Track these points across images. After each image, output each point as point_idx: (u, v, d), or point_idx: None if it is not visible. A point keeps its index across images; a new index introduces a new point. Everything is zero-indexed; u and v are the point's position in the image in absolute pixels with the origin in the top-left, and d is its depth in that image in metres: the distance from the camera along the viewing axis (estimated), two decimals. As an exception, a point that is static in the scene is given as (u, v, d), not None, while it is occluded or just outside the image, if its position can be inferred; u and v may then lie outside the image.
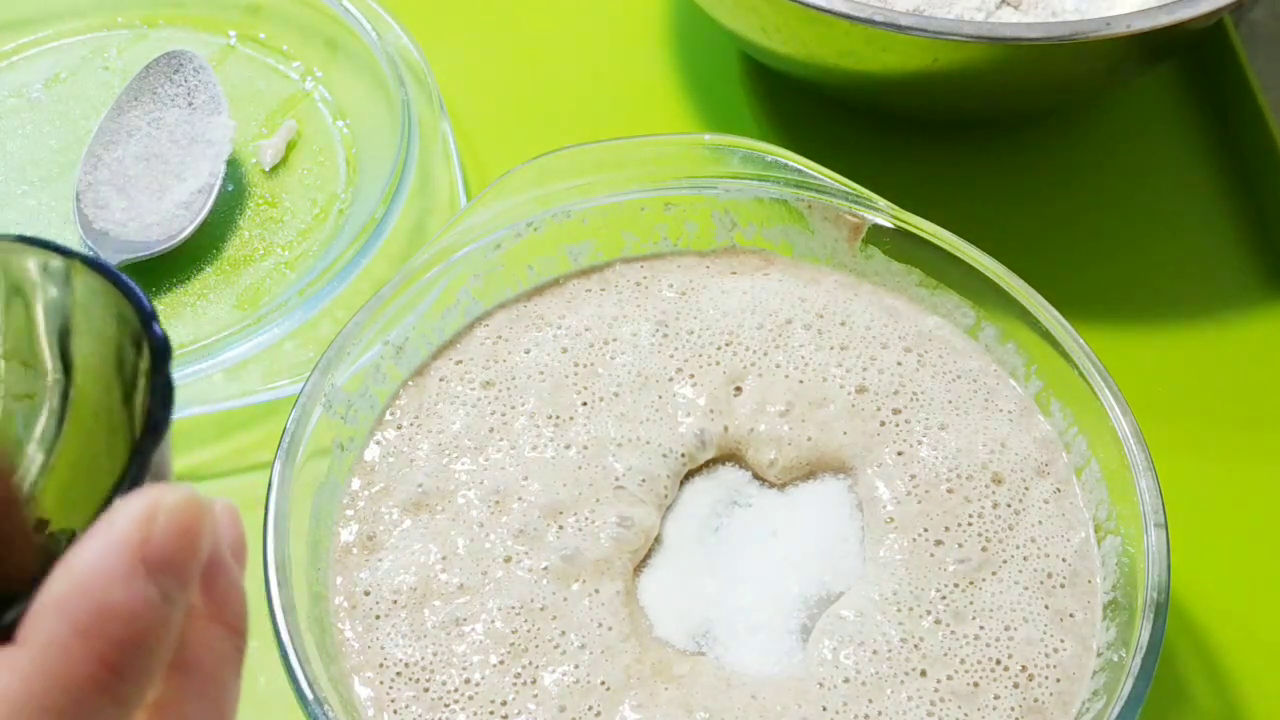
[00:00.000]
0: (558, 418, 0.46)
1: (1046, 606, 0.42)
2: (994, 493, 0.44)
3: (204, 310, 0.56)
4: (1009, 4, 0.60)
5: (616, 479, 0.45)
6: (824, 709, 0.40)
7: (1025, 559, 0.43)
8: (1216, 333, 0.56)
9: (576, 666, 0.41)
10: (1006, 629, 0.42)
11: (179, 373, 0.51)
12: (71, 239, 0.57)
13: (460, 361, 0.48)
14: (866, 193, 0.49)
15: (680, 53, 0.66)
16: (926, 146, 0.61)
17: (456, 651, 0.41)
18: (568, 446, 0.45)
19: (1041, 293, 0.46)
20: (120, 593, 0.20)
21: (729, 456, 0.46)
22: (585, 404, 0.47)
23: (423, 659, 0.41)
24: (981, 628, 0.42)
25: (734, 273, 0.50)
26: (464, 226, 0.49)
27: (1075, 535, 0.44)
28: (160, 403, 0.25)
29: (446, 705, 0.40)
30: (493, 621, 0.42)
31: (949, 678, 0.41)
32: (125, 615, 0.20)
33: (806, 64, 0.57)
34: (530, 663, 0.41)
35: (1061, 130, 0.62)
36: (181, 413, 0.52)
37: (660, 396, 0.47)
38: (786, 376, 0.47)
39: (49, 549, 0.26)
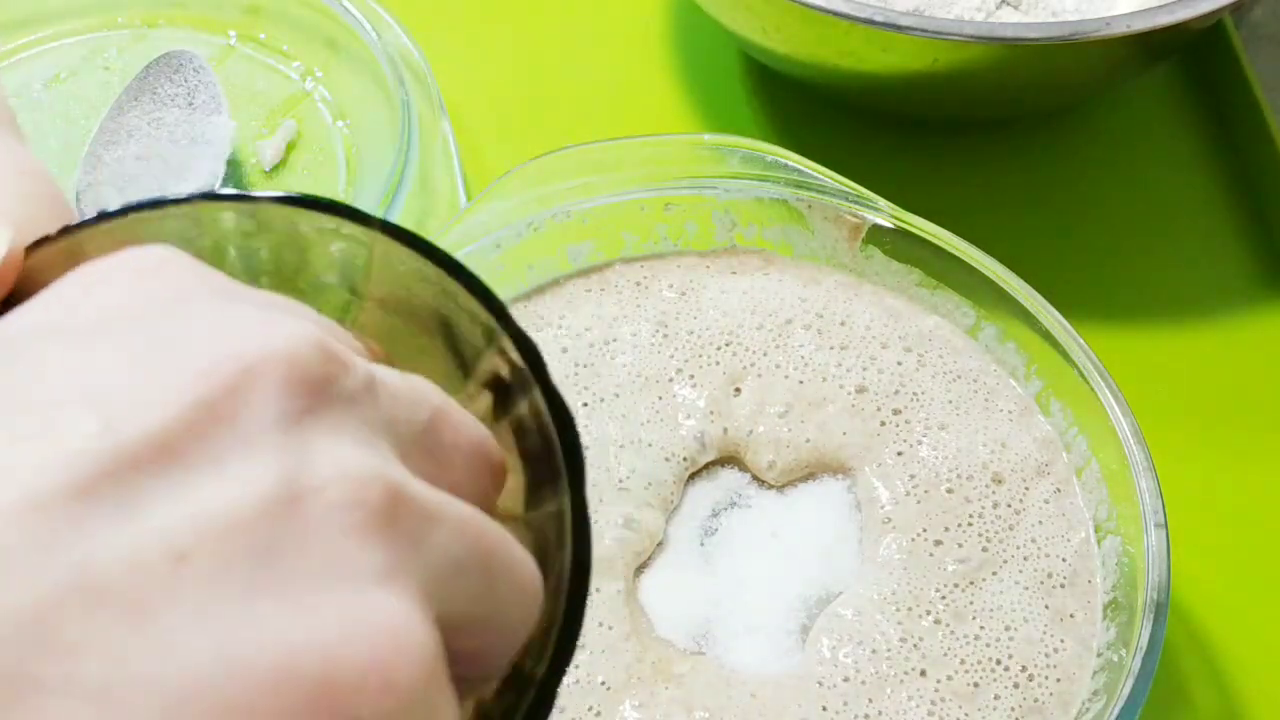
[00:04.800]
0: (558, 418, 0.46)
1: (1047, 606, 0.42)
2: (994, 493, 0.44)
3: (204, 310, 0.56)
4: (1009, 4, 0.60)
5: (620, 481, 0.45)
6: (824, 708, 0.40)
7: (1025, 559, 0.43)
8: (1217, 332, 0.56)
9: (576, 666, 0.41)
10: (1007, 629, 0.42)
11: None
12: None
13: (460, 361, 0.48)
14: (866, 193, 0.49)
15: (680, 53, 0.66)
16: (926, 146, 0.61)
17: (456, 651, 0.41)
18: (568, 446, 0.45)
19: (1041, 292, 0.46)
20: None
21: (728, 459, 0.46)
22: (586, 404, 0.47)
23: (423, 659, 0.41)
24: (982, 628, 0.42)
25: (734, 273, 0.50)
26: (464, 226, 0.49)
27: (1075, 535, 0.44)
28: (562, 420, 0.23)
29: (446, 705, 0.40)
30: (493, 621, 0.42)
31: (949, 678, 0.41)
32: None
33: (806, 64, 0.57)
34: (530, 663, 0.41)
35: (1061, 130, 0.62)
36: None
37: (660, 398, 0.47)
38: (786, 377, 0.47)
39: None
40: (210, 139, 0.59)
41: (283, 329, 0.19)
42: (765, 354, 0.48)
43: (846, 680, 0.41)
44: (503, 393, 0.24)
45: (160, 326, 0.19)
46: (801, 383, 0.47)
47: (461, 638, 0.20)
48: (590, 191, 0.50)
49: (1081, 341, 0.45)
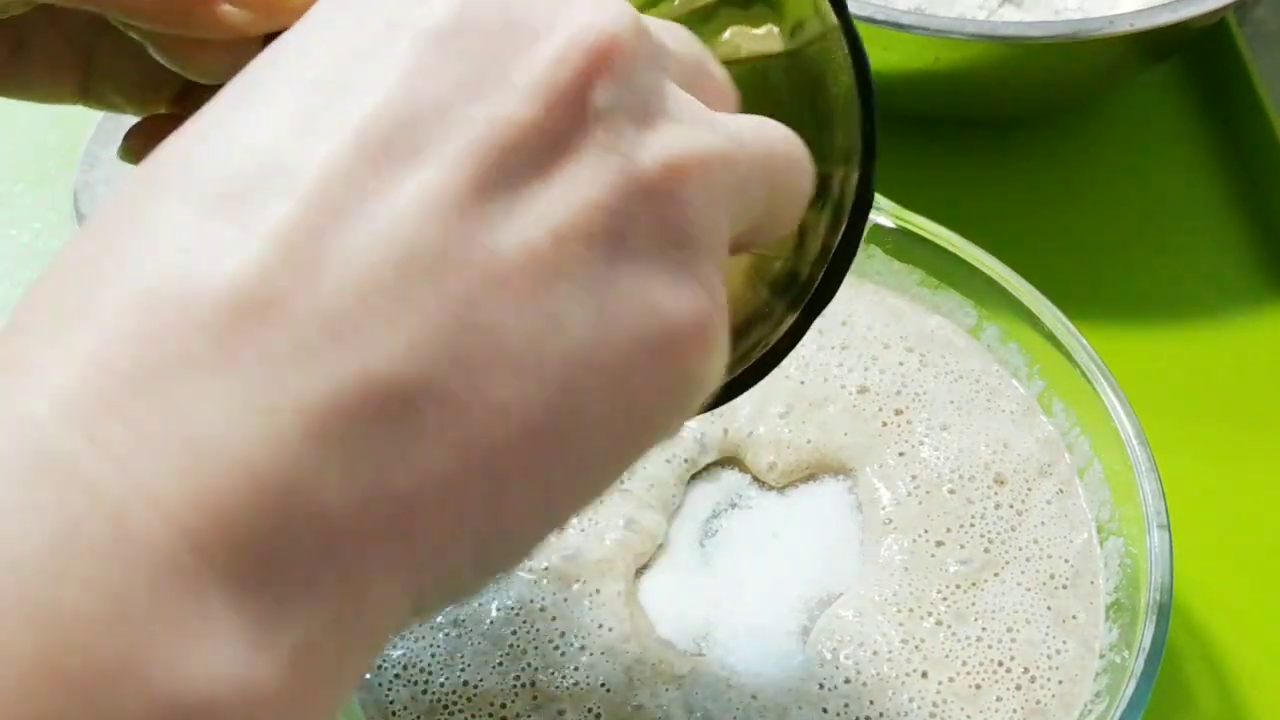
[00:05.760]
0: (557, 418, 0.46)
1: (1049, 608, 0.42)
2: (996, 494, 0.44)
3: (202, 310, 0.55)
4: (1011, 2, 0.60)
5: (620, 482, 0.44)
6: (824, 710, 0.40)
7: (1028, 560, 0.43)
8: (1220, 333, 0.56)
9: (576, 669, 0.41)
10: (1009, 630, 0.41)
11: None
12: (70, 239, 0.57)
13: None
14: (868, 192, 0.49)
15: (681, 51, 0.66)
16: (928, 145, 0.61)
17: (455, 653, 0.41)
18: (567, 447, 0.45)
19: (1044, 292, 0.46)
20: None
21: (729, 460, 0.46)
22: (585, 404, 0.46)
23: (421, 660, 0.41)
24: (984, 629, 0.41)
25: (735, 272, 0.50)
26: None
27: (1078, 536, 0.43)
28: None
29: (445, 707, 0.40)
30: (491, 623, 0.41)
31: (951, 679, 0.41)
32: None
33: (807, 62, 0.57)
34: (529, 664, 0.41)
35: (1063, 129, 0.62)
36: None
37: (660, 397, 0.46)
38: (787, 377, 0.47)
39: None
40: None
41: (605, 7, 0.22)
42: (766, 354, 0.47)
43: (848, 682, 0.40)
44: None
45: (505, 4, 0.22)
46: (802, 383, 0.47)
47: (757, 233, 0.25)
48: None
49: (1084, 342, 0.45)
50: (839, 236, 0.29)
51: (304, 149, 0.20)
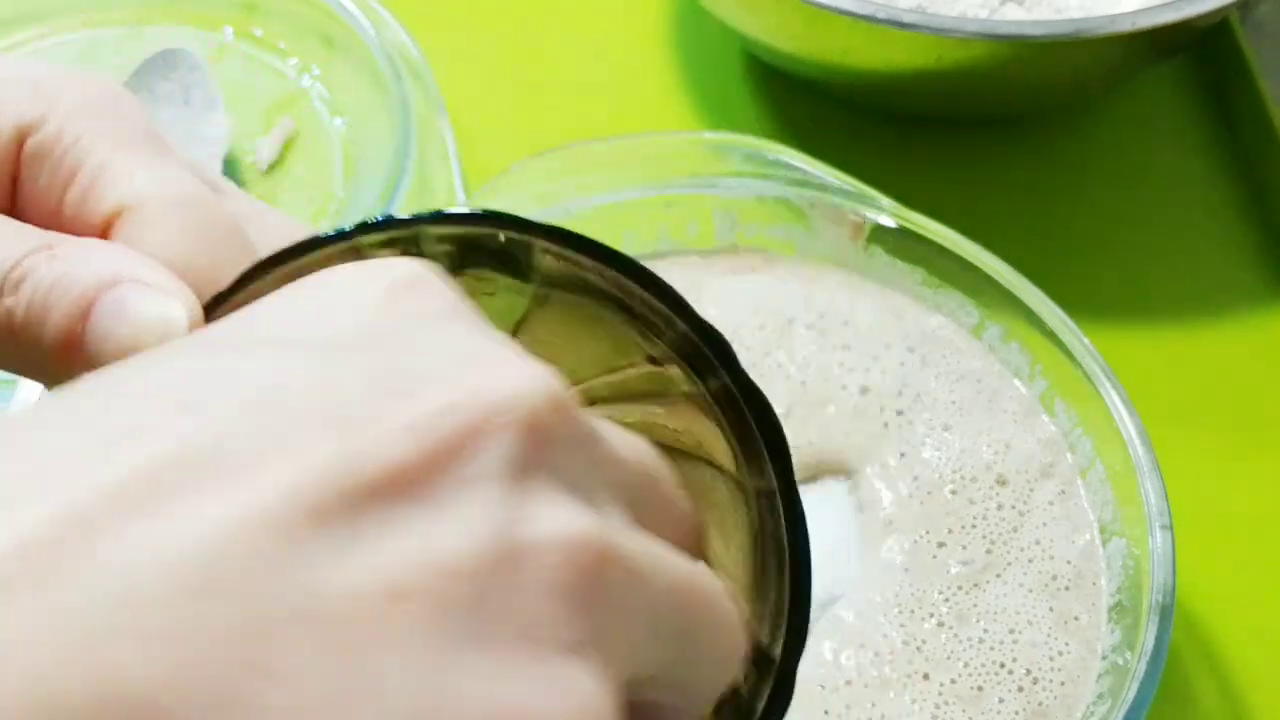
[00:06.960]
0: (557, 418, 0.46)
1: (1051, 609, 0.42)
2: (998, 494, 0.44)
3: (200, 309, 0.55)
4: (1013, 0, 0.60)
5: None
6: (826, 712, 0.40)
7: (1030, 561, 0.43)
8: (1223, 333, 0.56)
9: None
10: (1010, 632, 0.41)
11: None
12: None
13: (458, 361, 0.48)
14: (869, 191, 0.49)
15: (681, 50, 0.66)
16: (929, 144, 0.61)
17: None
18: (567, 447, 0.45)
19: (1046, 292, 0.46)
20: None
21: (730, 458, 0.46)
22: (585, 404, 0.46)
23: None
24: (985, 630, 0.41)
25: (735, 272, 0.50)
26: (462, 225, 0.48)
27: (1080, 537, 0.43)
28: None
29: None
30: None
31: (952, 681, 0.40)
32: None
33: (808, 61, 0.57)
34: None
35: (1065, 128, 0.62)
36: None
37: (661, 397, 0.46)
38: (788, 377, 0.47)
39: None
40: (207, 137, 0.58)
41: (522, 370, 0.19)
42: (767, 354, 0.47)
43: (849, 684, 0.40)
44: (691, 366, 0.24)
45: (403, 348, 0.19)
46: (804, 383, 0.46)
47: (655, 690, 0.20)
48: (590, 190, 0.50)
49: (1086, 341, 0.45)
50: None
51: (112, 452, 0.17)
